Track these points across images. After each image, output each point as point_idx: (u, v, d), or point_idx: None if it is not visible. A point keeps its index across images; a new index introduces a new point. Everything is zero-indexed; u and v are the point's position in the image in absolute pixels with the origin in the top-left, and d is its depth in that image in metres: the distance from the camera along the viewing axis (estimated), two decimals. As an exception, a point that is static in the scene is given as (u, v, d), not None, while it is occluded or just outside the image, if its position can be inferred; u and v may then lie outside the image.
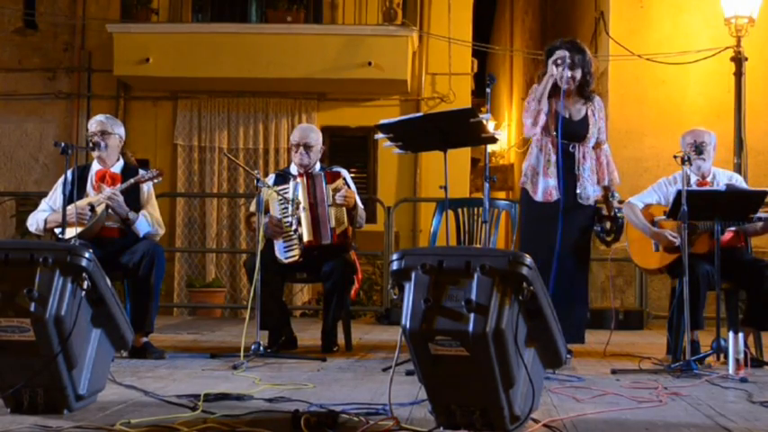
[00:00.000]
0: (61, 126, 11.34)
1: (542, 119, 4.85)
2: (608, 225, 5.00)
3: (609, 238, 5.02)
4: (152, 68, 10.49)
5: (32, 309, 2.95)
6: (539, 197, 4.93)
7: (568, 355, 4.52)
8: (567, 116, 4.92)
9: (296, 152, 5.41)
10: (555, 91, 4.91)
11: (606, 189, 5.00)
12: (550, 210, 4.88)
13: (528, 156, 5.05)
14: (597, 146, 5.01)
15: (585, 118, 4.96)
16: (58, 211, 4.94)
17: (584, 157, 4.95)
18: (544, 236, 4.84)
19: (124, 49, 10.50)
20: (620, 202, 5.08)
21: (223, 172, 11.28)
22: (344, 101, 11.21)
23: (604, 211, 5.01)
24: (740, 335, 4.39)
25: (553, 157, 4.89)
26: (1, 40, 11.37)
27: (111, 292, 3.23)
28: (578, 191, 4.90)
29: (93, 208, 4.94)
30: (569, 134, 4.89)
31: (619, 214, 5.02)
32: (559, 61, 4.85)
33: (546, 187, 4.92)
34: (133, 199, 5.08)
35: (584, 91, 4.98)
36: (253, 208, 5.30)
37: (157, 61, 10.45)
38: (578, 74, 4.92)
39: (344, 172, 5.47)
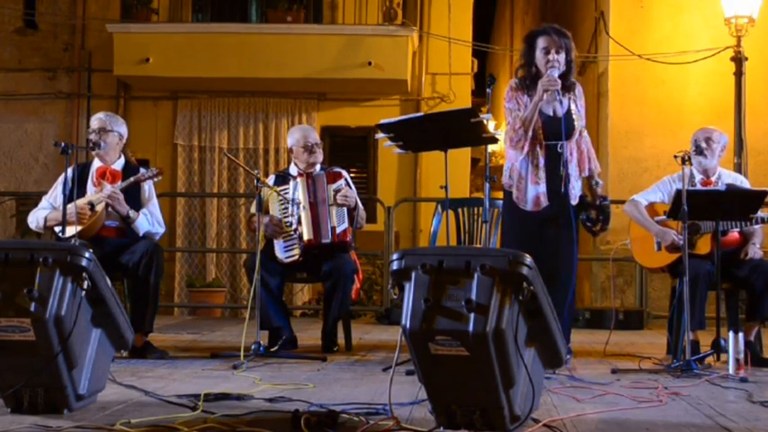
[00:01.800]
0: (61, 126, 11.34)
1: (527, 146, 4.59)
2: (593, 214, 4.73)
3: (596, 228, 4.76)
4: (152, 68, 10.48)
5: (32, 309, 2.95)
6: (528, 206, 4.62)
7: (568, 355, 4.53)
8: (552, 113, 4.62)
9: (307, 152, 5.39)
10: (534, 83, 4.60)
11: (588, 178, 4.73)
12: (539, 218, 4.61)
13: (508, 154, 4.75)
14: (579, 134, 4.72)
15: (569, 112, 4.65)
16: (59, 210, 4.95)
17: (570, 153, 4.64)
18: (532, 245, 4.37)
19: (124, 49, 10.49)
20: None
21: (223, 172, 11.28)
22: (344, 101, 11.20)
23: (588, 200, 4.74)
24: (740, 335, 4.40)
25: (542, 161, 4.60)
26: (1, 39, 11.37)
27: (111, 292, 3.23)
28: (569, 191, 4.61)
29: (93, 206, 4.95)
30: (556, 133, 4.58)
31: (605, 203, 4.76)
32: (551, 60, 4.57)
33: (535, 195, 4.61)
34: (134, 198, 5.09)
35: (566, 80, 4.64)
36: (253, 209, 5.30)
37: (157, 61, 10.44)
38: (562, 57, 4.59)
39: (345, 173, 5.48)
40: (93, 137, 5.09)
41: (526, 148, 4.60)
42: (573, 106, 4.68)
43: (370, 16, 10.66)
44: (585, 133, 4.78)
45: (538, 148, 4.62)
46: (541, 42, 4.64)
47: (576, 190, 4.68)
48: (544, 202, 4.61)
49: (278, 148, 11.15)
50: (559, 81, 4.53)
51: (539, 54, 4.64)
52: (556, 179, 4.60)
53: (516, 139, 4.60)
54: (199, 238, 11.18)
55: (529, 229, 4.64)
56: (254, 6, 11.37)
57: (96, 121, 5.19)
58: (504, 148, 4.81)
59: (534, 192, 4.62)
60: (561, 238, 4.61)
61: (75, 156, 4.95)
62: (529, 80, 4.66)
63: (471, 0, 11.47)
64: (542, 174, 4.61)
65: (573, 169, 4.66)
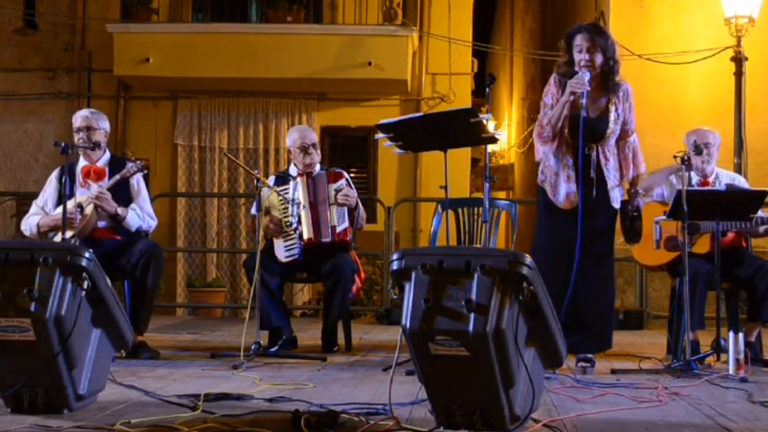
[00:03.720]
0: (61, 126, 11.32)
1: (555, 142, 4.57)
2: (628, 223, 4.67)
3: (629, 238, 4.72)
4: (152, 68, 10.48)
5: (32, 309, 2.95)
6: (560, 202, 4.59)
7: (587, 364, 4.51)
8: (586, 114, 4.48)
9: (303, 153, 5.39)
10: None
11: (631, 184, 4.66)
12: (572, 216, 4.53)
13: (537, 150, 4.70)
14: (623, 137, 4.62)
15: (605, 113, 4.57)
16: (49, 215, 5.02)
17: (605, 157, 4.56)
18: (564, 241, 4.51)
19: (124, 49, 10.49)
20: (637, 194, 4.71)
21: (223, 172, 11.28)
22: (344, 101, 11.20)
23: (628, 208, 4.66)
24: (740, 335, 4.39)
25: (569, 161, 4.56)
26: (1, 39, 11.36)
27: (111, 292, 3.23)
28: (609, 192, 4.55)
29: (82, 209, 4.94)
30: (586, 135, 4.47)
31: (639, 223, 4.68)
32: (582, 60, 4.48)
33: (568, 192, 4.56)
34: (123, 194, 5.07)
35: (607, 81, 4.58)
36: (253, 209, 5.30)
37: (157, 61, 10.44)
38: (599, 58, 4.51)
39: (345, 173, 5.48)
40: (82, 135, 5.06)
41: (555, 143, 4.58)
42: (612, 109, 4.59)
43: (370, 16, 10.66)
44: (633, 138, 4.66)
45: (565, 147, 4.59)
46: (576, 41, 4.57)
47: (615, 193, 4.60)
48: (575, 200, 4.54)
49: (278, 148, 11.15)
50: (587, 84, 4.43)
51: (575, 54, 4.57)
52: (586, 180, 4.53)
53: (545, 135, 4.58)
54: (199, 237, 11.18)
55: (561, 222, 4.60)
56: (255, 6, 11.38)
57: (82, 119, 5.13)
58: (535, 145, 4.75)
59: (566, 190, 4.58)
60: (593, 234, 4.52)
61: (75, 155, 4.96)
62: (568, 78, 4.57)
63: (471, 0, 11.47)
64: (572, 173, 4.57)
65: (611, 173, 4.58)
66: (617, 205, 4.64)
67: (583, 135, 4.46)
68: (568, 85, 4.47)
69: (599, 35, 4.57)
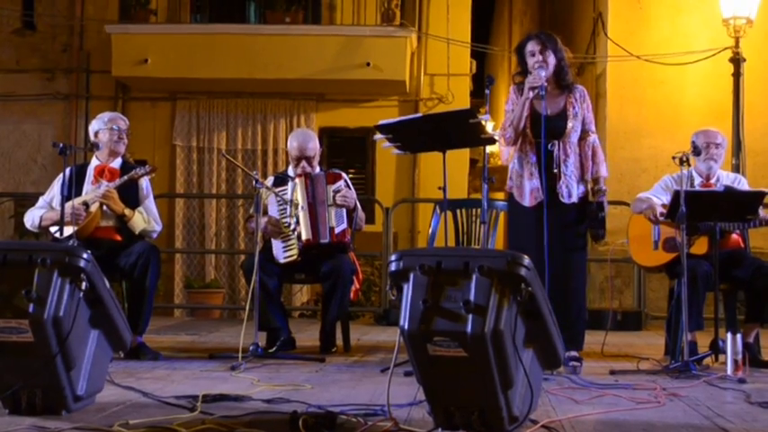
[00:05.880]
0: (59, 127, 11.33)
1: (518, 143, 4.71)
2: (592, 221, 4.73)
3: (598, 234, 4.76)
4: (150, 69, 10.48)
5: (31, 310, 2.95)
6: (526, 202, 4.70)
7: (577, 363, 4.52)
8: (546, 112, 4.60)
9: (297, 165, 5.40)
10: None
11: (593, 182, 4.74)
12: (538, 213, 4.60)
13: (503, 155, 4.85)
14: (583, 137, 4.75)
15: (564, 111, 4.71)
16: (54, 210, 4.97)
17: (565, 153, 4.68)
18: (533, 240, 4.57)
19: (122, 50, 10.49)
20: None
21: (222, 173, 11.27)
22: (343, 101, 11.20)
23: (593, 206, 4.73)
24: (738, 335, 4.39)
25: (533, 158, 4.68)
26: (-1, 40, 11.38)
27: (109, 293, 3.23)
28: (558, 190, 4.63)
29: (87, 206, 4.95)
30: (546, 132, 4.58)
31: (601, 214, 4.72)
32: (538, 60, 4.66)
33: (531, 188, 4.68)
34: (131, 195, 5.11)
35: (561, 80, 4.75)
36: (252, 210, 5.30)
37: (156, 62, 10.44)
38: (551, 58, 4.68)
39: (344, 174, 5.48)
40: (124, 137, 5.19)
41: (518, 145, 4.73)
42: (570, 107, 4.72)
43: (368, 17, 10.67)
44: (593, 138, 4.78)
45: (528, 146, 4.72)
46: (528, 47, 4.75)
47: (571, 189, 4.68)
48: (539, 196, 4.65)
49: (276, 149, 11.15)
50: (543, 78, 4.59)
51: (528, 60, 4.74)
52: (548, 177, 4.62)
53: (507, 136, 4.72)
54: (197, 238, 11.17)
55: (529, 225, 4.68)
56: (253, 7, 11.38)
57: (123, 121, 5.26)
58: (499, 149, 4.85)
59: (530, 186, 4.70)
60: (557, 231, 4.58)
61: (73, 157, 4.97)
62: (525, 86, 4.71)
63: (470, 1, 11.46)
64: (534, 170, 4.69)
65: (569, 169, 4.69)
66: (575, 199, 4.70)
67: (545, 129, 4.56)
68: (526, 82, 4.63)
69: (548, 38, 4.76)
